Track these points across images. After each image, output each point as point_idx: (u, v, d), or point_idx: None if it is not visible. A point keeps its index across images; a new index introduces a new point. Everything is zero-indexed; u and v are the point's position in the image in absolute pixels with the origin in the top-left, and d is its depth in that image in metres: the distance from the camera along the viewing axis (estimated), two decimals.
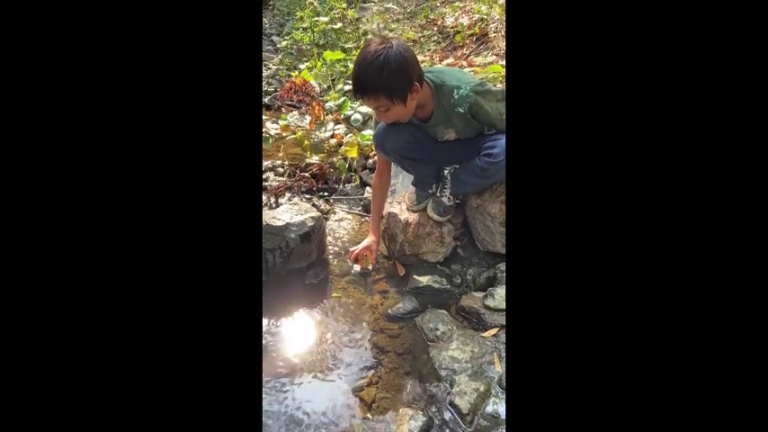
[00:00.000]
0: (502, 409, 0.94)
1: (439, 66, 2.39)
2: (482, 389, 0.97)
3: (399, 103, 1.14)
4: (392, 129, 1.30)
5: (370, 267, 1.41)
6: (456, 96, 1.18)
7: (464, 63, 2.52)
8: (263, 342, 1.15)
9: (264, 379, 1.04)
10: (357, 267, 1.42)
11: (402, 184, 1.69)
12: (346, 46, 3.04)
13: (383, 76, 1.08)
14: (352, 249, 1.41)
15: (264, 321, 1.21)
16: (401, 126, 1.28)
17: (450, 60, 2.63)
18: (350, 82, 2.53)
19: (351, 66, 2.56)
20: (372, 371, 1.06)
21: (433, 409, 0.96)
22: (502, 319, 1.16)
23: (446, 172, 1.44)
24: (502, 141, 1.22)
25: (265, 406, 0.97)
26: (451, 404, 0.95)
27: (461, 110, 1.19)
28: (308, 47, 3.25)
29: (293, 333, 1.19)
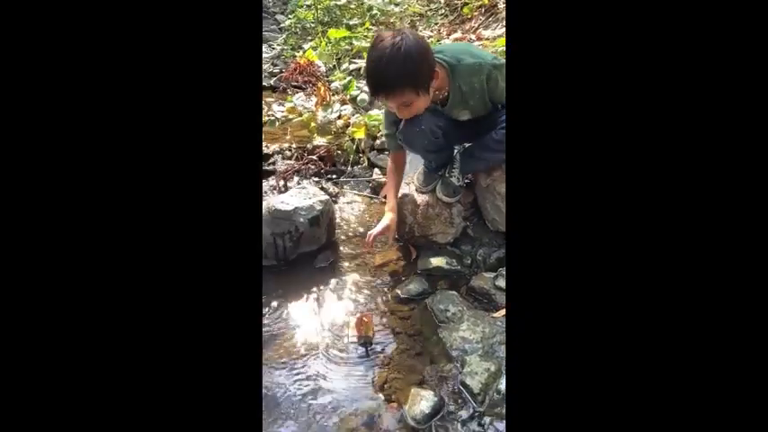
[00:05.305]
0: None
1: (448, 43, 2.31)
2: (493, 368, 0.97)
3: (424, 94, 1.10)
4: (417, 126, 1.24)
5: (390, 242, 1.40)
6: (475, 77, 1.15)
7: (473, 36, 2.44)
8: (277, 326, 1.17)
9: (279, 361, 1.06)
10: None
11: (411, 165, 1.66)
12: (351, 23, 2.97)
13: (407, 68, 1.02)
14: (369, 233, 1.31)
15: (276, 306, 1.23)
16: (425, 121, 1.23)
17: (459, 34, 2.55)
18: (355, 61, 2.48)
19: (356, 44, 2.50)
20: (384, 352, 1.08)
21: (445, 390, 0.97)
22: None
23: (455, 151, 1.42)
24: None
25: (279, 388, 1.00)
26: (463, 384, 0.96)
27: (481, 86, 1.15)
28: (312, 25, 3.18)
29: (305, 317, 1.20)
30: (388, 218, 1.33)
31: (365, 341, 1.08)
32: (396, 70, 1.02)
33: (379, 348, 1.09)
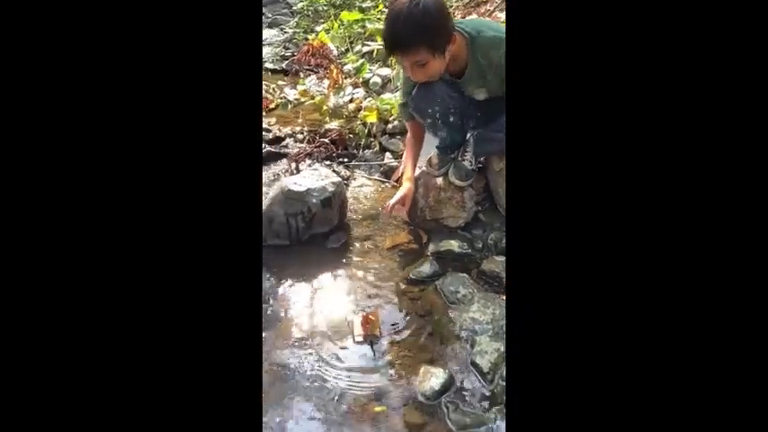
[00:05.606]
0: None
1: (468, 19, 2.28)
2: (503, 349, 0.98)
3: (439, 56, 1.09)
4: (431, 93, 1.24)
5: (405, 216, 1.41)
6: (494, 50, 1.13)
7: (488, 20, 2.40)
8: (287, 305, 1.19)
9: (289, 340, 1.08)
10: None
11: (424, 148, 1.66)
12: (363, 5, 2.93)
13: (425, 24, 1.02)
14: (388, 202, 1.33)
15: (288, 285, 1.25)
16: (438, 89, 1.23)
17: (473, 17, 2.51)
18: (368, 43, 2.46)
19: (369, 26, 2.48)
20: (394, 331, 1.09)
21: (455, 368, 0.98)
22: None
23: (468, 134, 1.41)
24: None
25: (289, 366, 1.02)
26: (473, 363, 0.98)
27: (499, 61, 1.13)
28: (325, 8, 3.14)
29: (316, 297, 1.22)
30: (406, 187, 1.35)
31: (371, 340, 1.08)
32: (413, 25, 1.02)
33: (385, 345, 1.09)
